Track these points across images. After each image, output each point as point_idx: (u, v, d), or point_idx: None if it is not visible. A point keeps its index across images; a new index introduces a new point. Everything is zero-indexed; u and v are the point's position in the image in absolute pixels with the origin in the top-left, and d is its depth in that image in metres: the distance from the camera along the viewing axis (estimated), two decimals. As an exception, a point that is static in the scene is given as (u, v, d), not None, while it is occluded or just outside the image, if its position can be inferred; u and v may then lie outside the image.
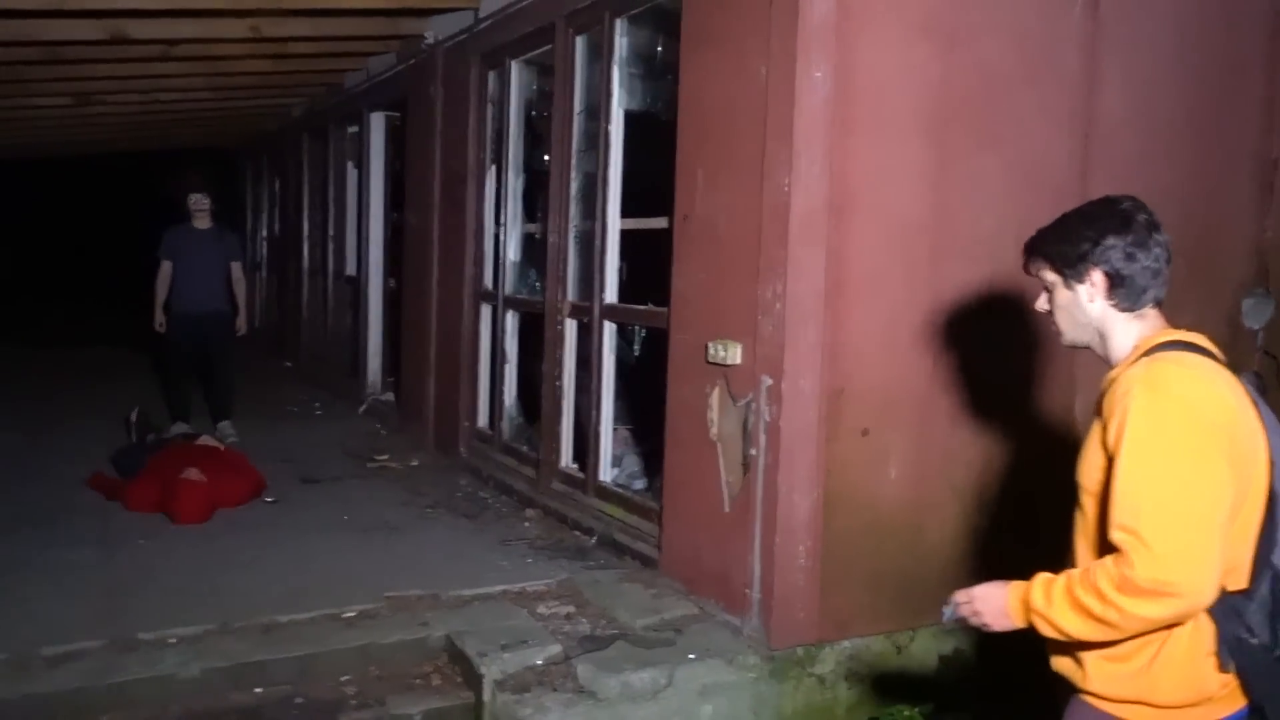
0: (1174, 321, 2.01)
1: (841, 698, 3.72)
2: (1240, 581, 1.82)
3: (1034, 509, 3.86)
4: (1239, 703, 1.86)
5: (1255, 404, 1.88)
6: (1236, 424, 1.80)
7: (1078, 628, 1.80)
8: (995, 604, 1.97)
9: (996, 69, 3.79)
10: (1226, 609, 1.80)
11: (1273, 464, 1.83)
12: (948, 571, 3.85)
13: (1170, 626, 1.79)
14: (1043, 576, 1.90)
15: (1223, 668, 1.82)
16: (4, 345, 12.71)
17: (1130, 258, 1.95)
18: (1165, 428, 1.77)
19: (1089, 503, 1.95)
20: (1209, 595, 1.72)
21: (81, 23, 5.93)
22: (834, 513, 3.65)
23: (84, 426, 7.19)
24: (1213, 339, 1.98)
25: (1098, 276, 1.97)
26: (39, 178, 17.01)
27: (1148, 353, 1.92)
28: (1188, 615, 1.75)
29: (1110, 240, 1.95)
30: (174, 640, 3.58)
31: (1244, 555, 1.82)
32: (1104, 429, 1.89)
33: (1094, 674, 1.91)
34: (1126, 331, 1.99)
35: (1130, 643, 1.84)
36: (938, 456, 3.80)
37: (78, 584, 4.11)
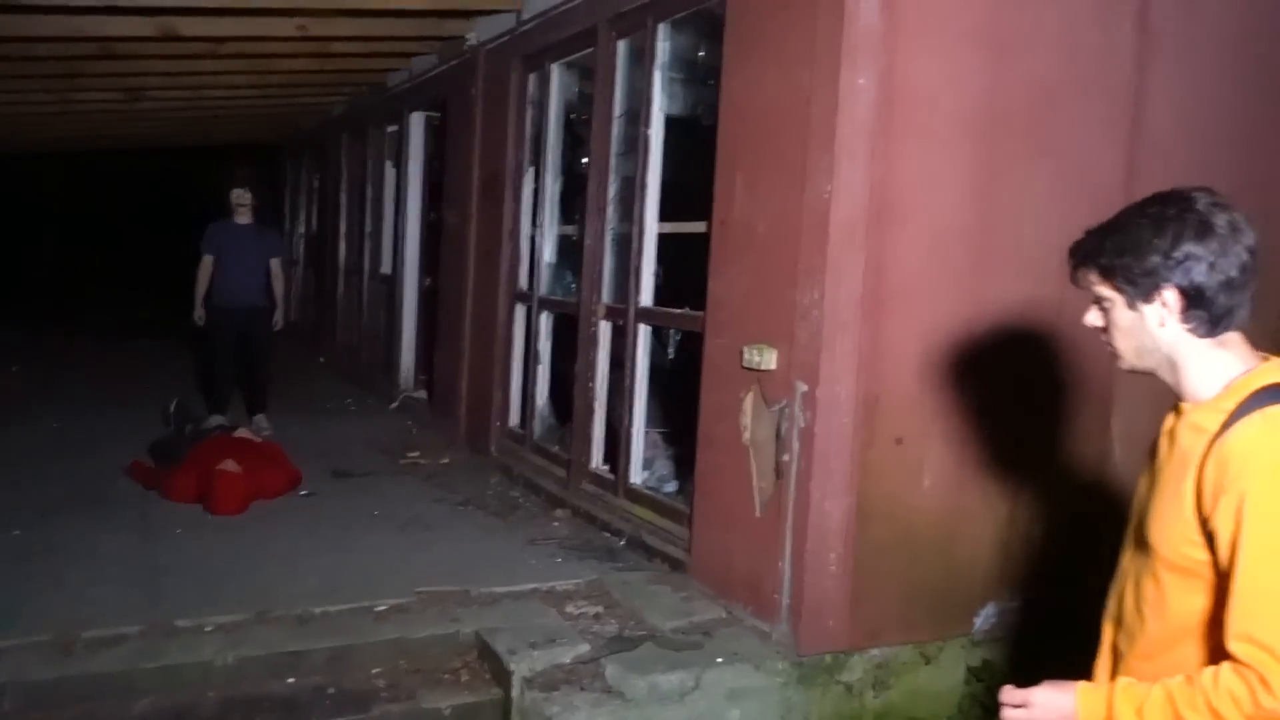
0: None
1: (869, 706, 3.71)
2: None
3: (1070, 527, 3.84)
4: None
5: None
6: None
7: None
8: (1060, 716, 1.64)
9: (1045, 79, 3.78)
10: None
11: None
12: (980, 584, 3.84)
13: None
14: (1126, 684, 1.62)
15: None
16: (48, 336, 12.94)
17: (1213, 269, 1.59)
18: None
19: (1167, 575, 1.66)
20: None
21: (133, 19, 6.03)
22: (866, 521, 3.64)
23: (124, 416, 7.30)
24: None
25: (1170, 296, 1.63)
26: (84, 171, 17.31)
27: (1253, 397, 1.59)
28: None
29: (1186, 249, 1.60)
30: (211, 628, 3.64)
31: None
32: (1199, 493, 1.60)
33: None
34: (1208, 364, 1.66)
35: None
36: (973, 468, 3.78)
37: (117, 570, 4.19)
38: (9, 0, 5.34)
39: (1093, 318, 1.76)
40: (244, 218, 7.28)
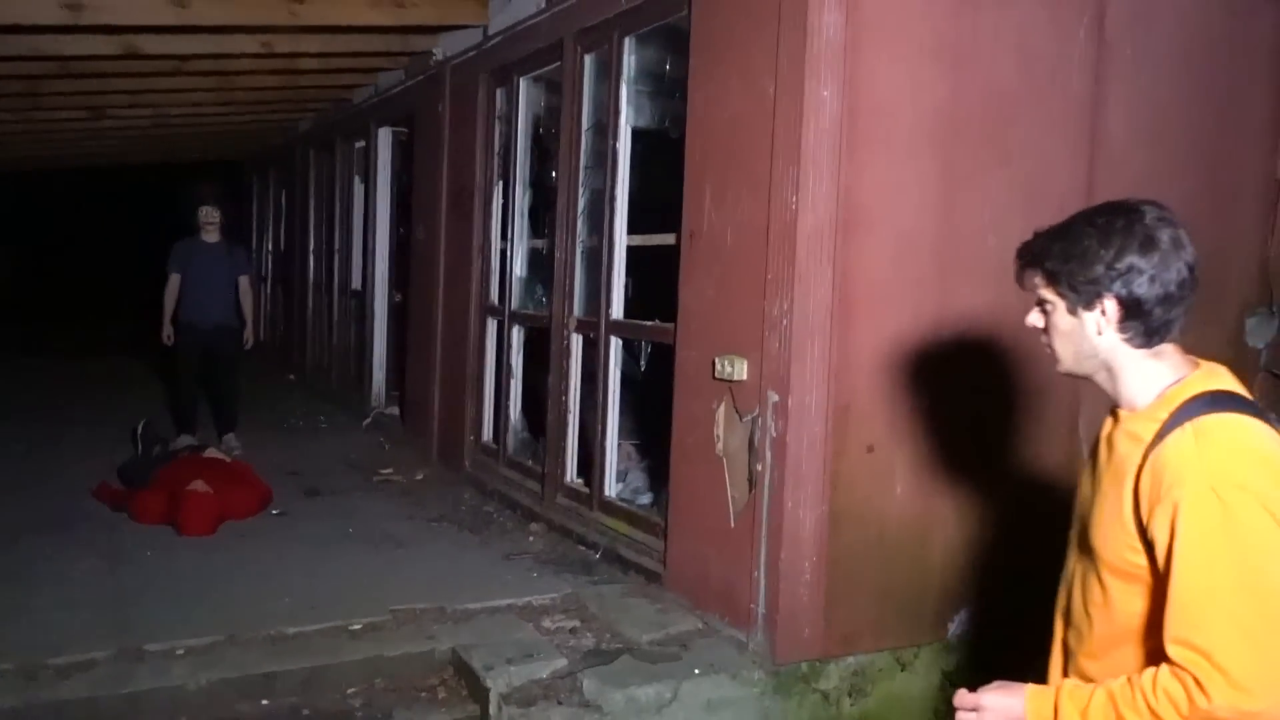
0: (1179, 340, 1.77)
1: (846, 713, 3.73)
2: None
3: (1040, 530, 3.88)
4: None
5: None
6: None
7: None
8: (1010, 718, 1.68)
9: (1004, 89, 3.83)
10: None
11: None
12: (953, 589, 3.87)
13: None
14: (1071, 687, 1.66)
15: None
16: (12, 356, 12.75)
17: (1154, 281, 1.63)
18: (1235, 526, 1.50)
19: (1111, 578, 1.70)
20: None
21: (96, 38, 5.98)
22: (839, 528, 3.66)
23: (91, 437, 7.22)
24: (1215, 358, 1.80)
25: (1110, 305, 1.66)
26: (49, 190, 17.10)
27: (1183, 407, 1.63)
28: None
29: (1129, 261, 1.63)
30: (181, 651, 3.60)
31: None
32: (1136, 502, 1.63)
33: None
34: (1143, 373, 1.70)
35: None
36: (944, 474, 3.81)
37: (85, 594, 4.13)
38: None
39: (1034, 318, 1.78)
40: (211, 235, 7.23)
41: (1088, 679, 1.72)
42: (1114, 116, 4.06)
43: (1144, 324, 1.66)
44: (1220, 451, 1.56)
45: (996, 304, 3.77)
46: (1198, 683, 1.49)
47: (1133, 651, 1.68)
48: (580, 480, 5.25)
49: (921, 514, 3.80)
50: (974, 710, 1.71)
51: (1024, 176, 3.88)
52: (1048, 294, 1.73)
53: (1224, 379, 1.70)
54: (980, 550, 3.90)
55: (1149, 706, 1.53)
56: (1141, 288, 1.63)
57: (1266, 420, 1.63)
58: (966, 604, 3.89)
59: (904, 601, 3.79)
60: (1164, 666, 1.54)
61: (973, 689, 1.76)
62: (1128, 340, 1.68)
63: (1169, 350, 1.71)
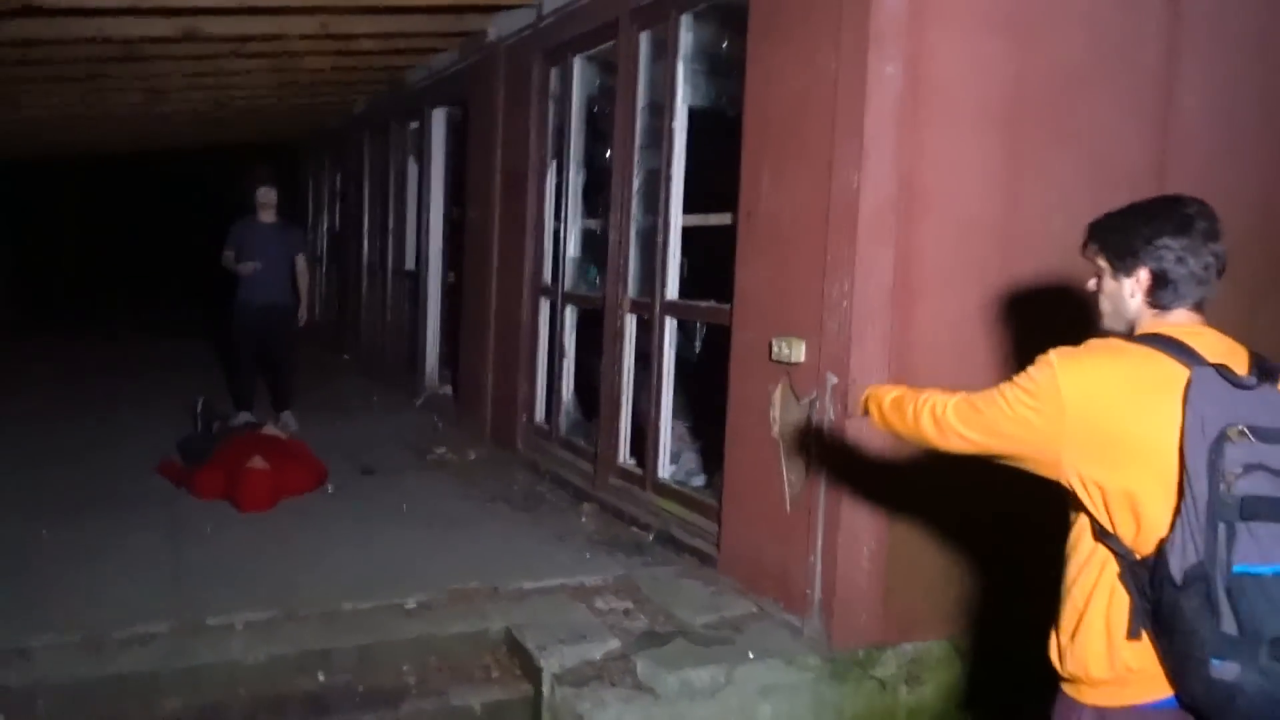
0: (1253, 321, 1.98)
1: (902, 701, 3.67)
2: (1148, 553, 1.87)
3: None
4: (1166, 689, 1.87)
5: (1189, 399, 1.81)
6: (1100, 408, 1.89)
7: (888, 415, 2.29)
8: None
9: (1072, 64, 3.71)
10: (1134, 576, 1.87)
11: (1183, 451, 1.78)
12: (1014, 579, 3.78)
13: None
14: (896, 391, 2.32)
15: (1131, 634, 1.87)
16: (74, 337, 13.06)
17: (1180, 261, 1.96)
18: (1026, 371, 2.00)
19: None
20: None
21: (156, 20, 6.05)
22: (897, 515, 3.60)
23: (151, 415, 7.35)
24: None
25: (1144, 274, 1.99)
26: (103, 173, 17.42)
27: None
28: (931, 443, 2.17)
29: (1164, 241, 1.96)
30: (240, 626, 3.64)
31: (1162, 530, 1.83)
32: None
33: (1055, 652, 2.05)
34: (1146, 328, 2.02)
35: (1064, 612, 2.02)
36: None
37: (147, 569, 4.20)
38: (34, 4, 5.35)
39: (1092, 284, 2.13)
40: (268, 216, 7.30)
41: None
42: (1187, 91, 3.92)
43: (1167, 294, 1.98)
44: (1079, 347, 1.99)
45: (1062, 285, 3.68)
46: (949, 407, 2.12)
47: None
48: (633, 461, 5.23)
49: (983, 500, 3.71)
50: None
51: (1092, 154, 3.77)
52: (1101, 261, 2.09)
53: (1180, 333, 1.94)
54: (1043, 537, 3.81)
55: (925, 406, 2.16)
56: (1169, 263, 1.96)
57: (1184, 359, 1.86)
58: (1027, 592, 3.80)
59: (963, 589, 3.72)
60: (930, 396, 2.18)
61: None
62: (1149, 303, 2.01)
63: (1179, 314, 2.00)
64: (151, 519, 4.92)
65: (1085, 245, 2.13)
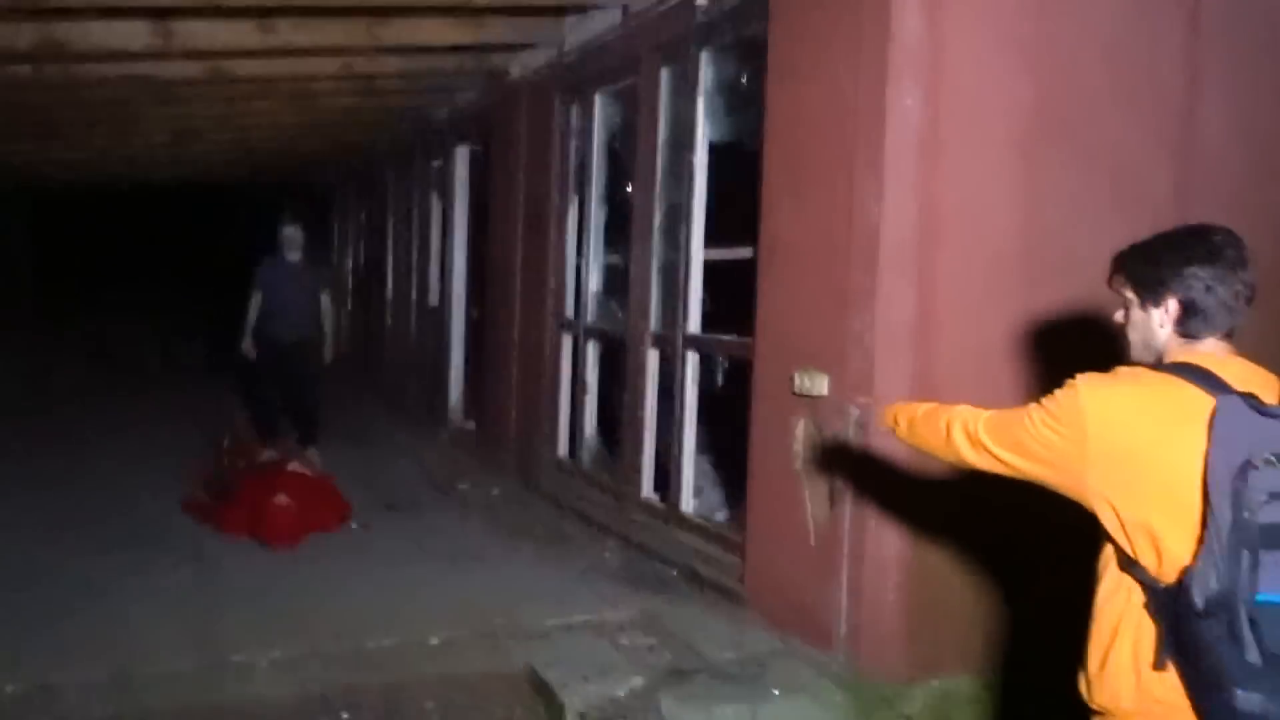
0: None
1: (931, 739, 3.61)
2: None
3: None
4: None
5: (1214, 427, 1.79)
6: (1123, 434, 1.89)
7: (918, 429, 2.29)
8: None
9: (1092, 89, 3.71)
10: (1159, 605, 1.84)
11: (1207, 478, 1.75)
12: (1042, 613, 3.73)
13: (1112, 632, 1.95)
14: (927, 405, 2.33)
15: (1157, 665, 1.84)
16: (101, 372, 13.18)
17: (1209, 291, 1.94)
18: (1053, 394, 1.99)
19: None
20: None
21: (184, 63, 6.16)
22: (924, 549, 3.56)
23: (178, 452, 7.40)
24: None
25: (1173, 304, 1.97)
26: (137, 208, 17.65)
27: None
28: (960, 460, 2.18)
29: (1193, 270, 1.94)
30: (265, 664, 3.65)
31: (1183, 559, 1.80)
32: None
33: (1084, 684, 2.01)
34: (1171, 356, 2.00)
35: (1091, 642, 1.99)
36: (1033, 490, 3.68)
37: (173, 605, 4.22)
38: (68, 50, 5.48)
39: (1119, 315, 2.10)
40: (294, 254, 7.37)
41: None
42: (1209, 115, 3.89)
43: (1196, 323, 1.95)
44: (1106, 375, 1.98)
45: (1087, 313, 3.65)
46: (979, 425, 2.13)
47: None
48: (656, 496, 5.21)
49: (1010, 534, 3.67)
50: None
51: (1115, 180, 3.75)
52: (1128, 292, 2.05)
53: (1206, 362, 1.92)
54: (1073, 569, 3.75)
55: (954, 423, 2.16)
56: (1199, 293, 1.94)
57: (1210, 389, 1.84)
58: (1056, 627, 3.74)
59: (991, 624, 3.66)
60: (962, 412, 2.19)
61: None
62: (1179, 332, 1.98)
63: (1207, 344, 1.97)
64: (178, 555, 4.95)
65: (1111, 277, 2.11)
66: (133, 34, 5.45)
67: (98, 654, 3.64)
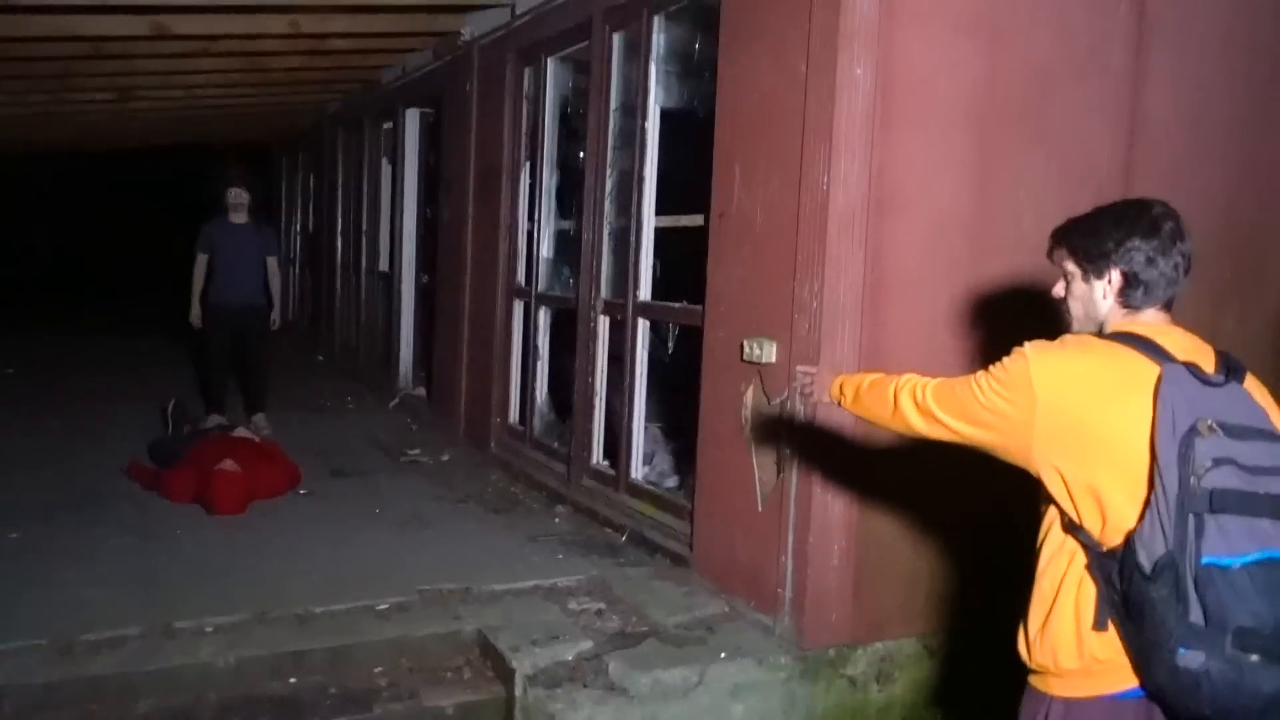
0: (1218, 320, 2.01)
1: (873, 699, 3.70)
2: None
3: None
4: (1132, 680, 1.90)
5: (1161, 394, 1.85)
6: (1071, 400, 1.93)
7: (864, 399, 2.34)
8: (823, 380, 2.52)
9: (1042, 66, 3.75)
10: (1101, 567, 1.90)
11: (1154, 444, 1.81)
12: (983, 575, 3.82)
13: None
14: (864, 374, 2.40)
15: (1098, 625, 1.91)
16: (45, 335, 12.91)
17: (1150, 262, 2.00)
18: (1001, 362, 2.04)
19: None
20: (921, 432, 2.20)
21: (125, 18, 6.00)
22: (868, 513, 3.63)
23: (122, 416, 7.28)
24: (1256, 339, 1.96)
25: (1115, 275, 2.03)
26: (79, 171, 17.25)
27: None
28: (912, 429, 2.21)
29: (1134, 243, 2.00)
30: (211, 629, 3.62)
31: (1128, 522, 1.86)
32: None
33: (1024, 644, 2.08)
34: (1113, 327, 2.06)
35: (1033, 604, 2.05)
36: (977, 456, 3.75)
37: (116, 571, 4.16)
38: (2, 1, 5.31)
39: (1058, 289, 2.16)
40: (240, 216, 7.24)
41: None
42: (1155, 94, 3.97)
43: (1137, 294, 2.02)
44: (1053, 342, 2.03)
45: (1032, 285, 3.71)
46: (928, 392, 2.17)
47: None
48: (606, 463, 5.23)
49: (954, 499, 3.75)
50: (809, 373, 2.60)
51: (1062, 155, 3.81)
52: (1070, 265, 2.11)
53: (1148, 331, 1.98)
54: (1014, 532, 3.84)
55: (905, 388, 2.21)
56: (1139, 265, 2.00)
57: (1155, 357, 1.90)
58: (996, 589, 3.84)
59: (933, 587, 3.75)
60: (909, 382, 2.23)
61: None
62: (1120, 303, 2.04)
63: (1148, 314, 2.04)
64: (122, 522, 4.88)
65: (1052, 250, 2.15)
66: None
67: (38, 621, 3.58)
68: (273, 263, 7.43)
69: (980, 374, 2.06)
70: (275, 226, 12.41)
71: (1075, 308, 2.12)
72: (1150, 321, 2.03)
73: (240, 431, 6.33)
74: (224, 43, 6.89)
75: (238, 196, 7.21)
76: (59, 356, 11.02)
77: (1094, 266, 2.05)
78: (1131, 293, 2.02)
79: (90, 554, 4.37)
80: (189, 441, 5.91)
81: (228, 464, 5.26)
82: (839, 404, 2.44)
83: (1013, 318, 3.69)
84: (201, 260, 7.18)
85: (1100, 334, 2.06)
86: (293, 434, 6.80)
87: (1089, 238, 2.06)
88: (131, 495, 5.37)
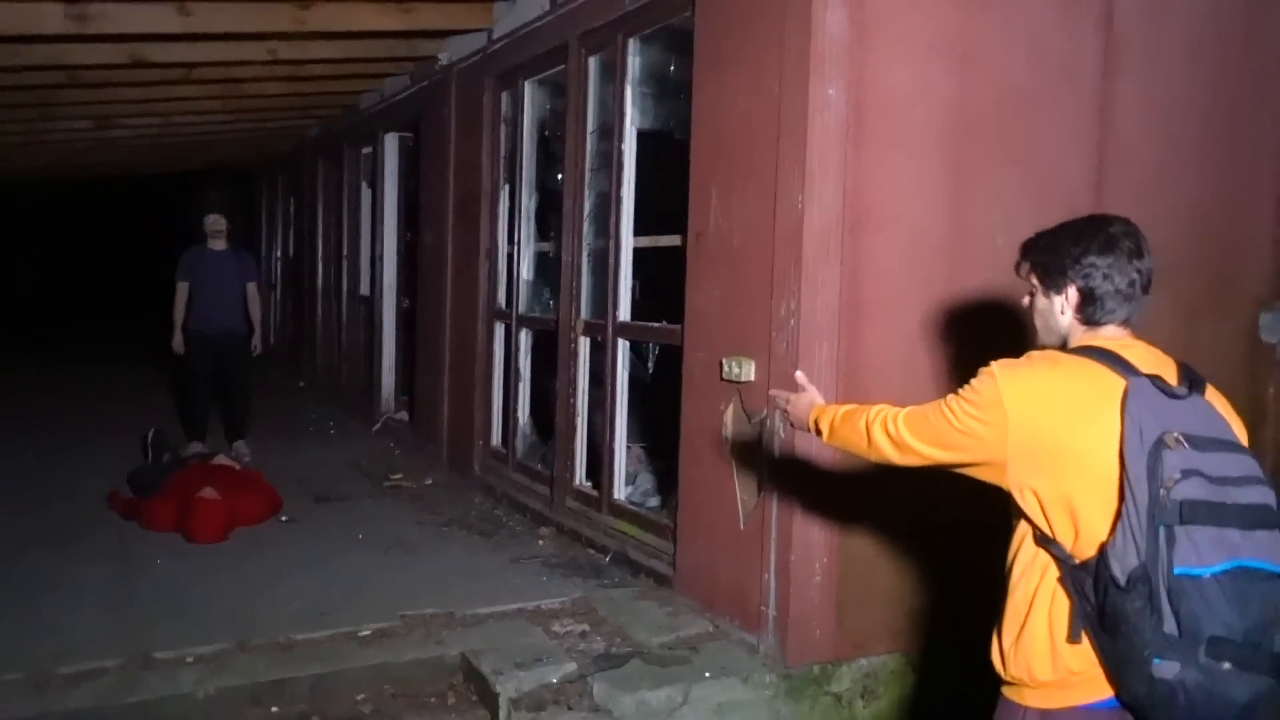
0: (1192, 335, 2.02)
1: (858, 716, 3.70)
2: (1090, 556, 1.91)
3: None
4: (1106, 690, 1.91)
5: (1127, 408, 1.87)
6: (1041, 416, 1.95)
7: (839, 432, 2.34)
8: (800, 411, 2.52)
9: (1014, 86, 3.80)
10: (1074, 580, 1.92)
11: (1124, 458, 1.84)
12: (963, 590, 3.83)
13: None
14: (840, 405, 2.41)
15: (1072, 637, 1.92)
16: (24, 364, 12.82)
17: (1106, 279, 2.03)
18: (970, 384, 2.06)
19: None
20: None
21: (103, 47, 6.00)
22: (850, 531, 3.63)
23: (102, 445, 7.23)
24: (1229, 354, 1.97)
25: (1072, 292, 2.06)
26: (59, 199, 17.19)
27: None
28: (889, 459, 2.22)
29: (1091, 260, 2.03)
30: (191, 659, 3.59)
31: (1100, 535, 1.88)
32: None
33: (998, 656, 2.09)
34: (1075, 342, 2.09)
35: (1007, 616, 2.06)
36: (956, 474, 3.77)
37: (95, 602, 4.13)
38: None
39: (1026, 300, 2.20)
40: (219, 243, 7.24)
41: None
42: (1124, 113, 4.02)
43: (1095, 310, 2.05)
44: (1019, 359, 2.05)
45: (1006, 302, 3.74)
46: (901, 422, 2.18)
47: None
48: (589, 483, 5.23)
49: (932, 515, 3.76)
50: (786, 400, 2.59)
51: (1034, 175, 3.85)
52: (1033, 280, 2.16)
53: (1114, 345, 2.01)
54: (991, 547, 3.86)
55: (879, 420, 2.21)
56: (1096, 281, 2.03)
57: (1121, 371, 1.93)
58: (975, 606, 3.85)
59: (915, 603, 3.75)
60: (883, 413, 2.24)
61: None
62: (1079, 319, 2.07)
63: (1110, 330, 2.06)
64: (100, 551, 4.84)
65: (1019, 264, 2.20)
66: (45, 16, 5.29)
67: (17, 653, 3.54)
68: (252, 288, 7.43)
69: (950, 398, 2.09)
70: (255, 252, 12.39)
71: (1038, 321, 2.16)
72: (1111, 336, 2.05)
73: (220, 459, 6.29)
74: (202, 70, 6.89)
75: (216, 223, 7.21)
76: (39, 386, 10.94)
77: (1053, 282, 2.09)
78: (1089, 309, 2.05)
79: (69, 585, 4.33)
80: (169, 470, 5.87)
81: (208, 492, 5.24)
82: (818, 435, 2.45)
83: (988, 334, 3.72)
84: (182, 288, 7.17)
85: (1064, 348, 2.09)
86: (274, 460, 6.77)
87: (1048, 253, 2.10)
88: (111, 525, 5.34)
